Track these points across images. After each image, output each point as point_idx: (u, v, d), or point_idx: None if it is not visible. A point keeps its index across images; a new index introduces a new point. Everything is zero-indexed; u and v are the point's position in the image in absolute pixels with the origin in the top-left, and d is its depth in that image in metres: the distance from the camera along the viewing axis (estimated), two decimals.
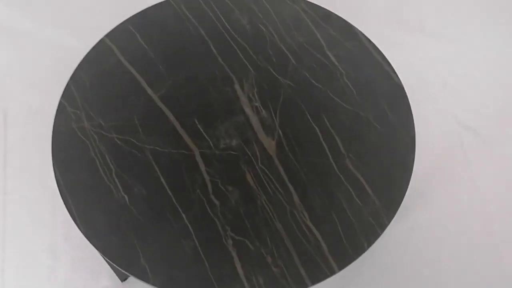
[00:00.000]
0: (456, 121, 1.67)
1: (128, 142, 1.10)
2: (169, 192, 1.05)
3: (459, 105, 1.70)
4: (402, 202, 1.06)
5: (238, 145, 1.10)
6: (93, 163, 1.08)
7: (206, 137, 1.11)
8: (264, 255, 1.00)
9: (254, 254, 1.00)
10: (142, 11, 1.28)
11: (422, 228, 1.51)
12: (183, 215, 1.03)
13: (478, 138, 1.64)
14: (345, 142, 1.12)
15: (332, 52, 1.23)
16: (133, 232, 1.01)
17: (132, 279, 1.40)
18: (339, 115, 1.15)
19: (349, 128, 1.14)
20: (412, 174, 1.09)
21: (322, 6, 1.30)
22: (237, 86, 1.18)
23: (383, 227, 1.03)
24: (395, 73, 1.21)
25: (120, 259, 0.99)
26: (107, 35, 1.24)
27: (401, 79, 1.21)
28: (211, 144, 1.10)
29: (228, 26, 1.26)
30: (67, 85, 1.17)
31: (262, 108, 1.15)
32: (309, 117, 1.14)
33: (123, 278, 1.40)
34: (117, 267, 0.99)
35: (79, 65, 1.20)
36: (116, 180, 1.06)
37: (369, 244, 1.01)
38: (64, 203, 1.04)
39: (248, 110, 1.15)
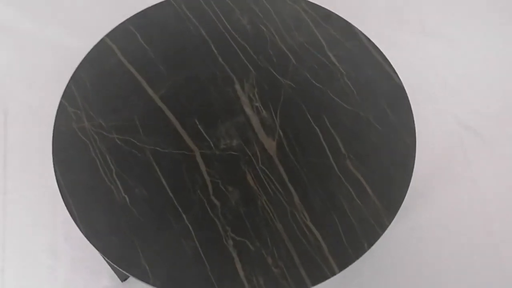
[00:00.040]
0: (456, 121, 1.67)
1: (129, 142, 1.10)
2: (170, 192, 1.05)
3: (459, 105, 1.70)
4: (402, 202, 1.07)
5: (238, 145, 1.10)
6: (93, 163, 1.08)
7: (207, 137, 1.11)
8: (264, 256, 1.00)
9: (255, 254, 1.00)
10: (143, 11, 1.28)
11: (422, 228, 1.51)
12: (184, 216, 1.03)
13: (478, 138, 1.64)
14: (346, 143, 1.12)
15: (332, 52, 1.23)
16: (134, 232, 1.01)
17: (132, 279, 1.40)
18: (339, 115, 1.15)
19: (350, 129, 1.14)
20: (412, 174, 1.09)
21: (323, 6, 1.29)
22: (237, 86, 1.18)
23: (383, 227, 1.03)
24: (395, 73, 1.21)
25: (121, 260, 0.99)
26: (107, 35, 1.24)
27: (401, 79, 1.21)
28: (212, 145, 1.10)
29: (228, 26, 1.26)
30: (68, 85, 1.17)
31: (262, 108, 1.15)
32: (309, 117, 1.14)
33: (123, 278, 1.40)
34: (117, 267, 0.99)
35: (79, 65, 1.20)
36: (117, 181, 1.06)
37: (370, 245, 1.01)
38: (65, 204, 1.04)
39: (248, 110, 1.15)
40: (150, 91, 1.17)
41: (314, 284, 0.98)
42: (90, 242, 1.01)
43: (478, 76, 1.76)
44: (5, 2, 1.83)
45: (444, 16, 1.88)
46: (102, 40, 1.23)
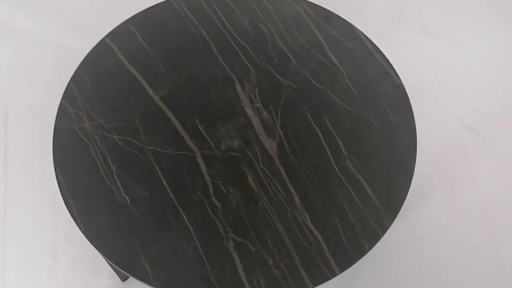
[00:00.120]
0: (456, 121, 1.67)
1: (129, 143, 1.10)
2: (170, 193, 1.05)
3: (459, 105, 1.70)
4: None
5: (239, 146, 1.10)
6: (94, 164, 1.08)
7: (207, 138, 1.11)
8: (265, 257, 1.00)
9: (255, 255, 1.00)
10: (143, 11, 1.28)
11: (422, 228, 1.51)
12: (184, 217, 1.03)
13: (478, 138, 1.65)
14: (346, 143, 1.12)
15: (333, 52, 1.23)
16: (134, 233, 1.01)
17: (132, 279, 1.40)
18: (340, 116, 1.15)
19: (350, 129, 1.14)
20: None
21: (323, 6, 1.29)
22: (238, 87, 1.18)
23: (384, 229, 1.03)
24: (396, 74, 1.21)
25: (121, 260, 0.99)
26: (108, 35, 1.24)
27: (401, 79, 1.21)
28: (212, 145, 1.10)
29: (229, 27, 1.26)
30: (68, 85, 1.17)
31: (263, 109, 1.15)
32: (310, 118, 1.14)
33: (123, 278, 1.40)
34: (118, 268, 0.99)
35: (80, 65, 1.20)
36: (117, 181, 1.06)
37: (370, 246, 1.01)
38: (65, 204, 1.04)
39: (249, 111, 1.15)
40: (150, 91, 1.17)
41: (314, 285, 0.98)
42: (91, 243, 1.01)
43: (478, 76, 1.76)
44: (5, 2, 1.82)
45: (444, 16, 1.88)
46: (102, 40, 1.23)
